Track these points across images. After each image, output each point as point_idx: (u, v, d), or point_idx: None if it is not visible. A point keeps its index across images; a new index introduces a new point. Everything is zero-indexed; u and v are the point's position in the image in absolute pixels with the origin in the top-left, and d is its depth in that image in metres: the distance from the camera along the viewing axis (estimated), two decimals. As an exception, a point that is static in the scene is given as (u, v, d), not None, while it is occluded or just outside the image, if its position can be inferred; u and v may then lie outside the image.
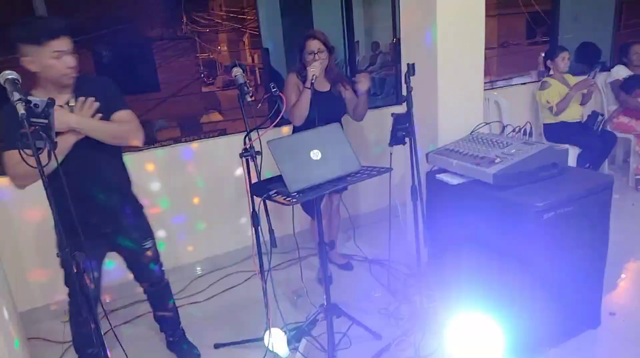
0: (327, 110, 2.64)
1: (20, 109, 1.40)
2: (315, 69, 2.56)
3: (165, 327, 2.52)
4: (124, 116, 2.01)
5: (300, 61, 2.75)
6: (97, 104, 1.90)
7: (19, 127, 1.70)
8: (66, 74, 1.85)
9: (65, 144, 1.82)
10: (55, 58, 1.80)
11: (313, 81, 2.55)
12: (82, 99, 1.89)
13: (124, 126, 1.98)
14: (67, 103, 1.91)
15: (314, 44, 2.67)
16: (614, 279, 2.79)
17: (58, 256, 1.51)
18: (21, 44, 1.79)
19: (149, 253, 2.24)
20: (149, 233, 2.25)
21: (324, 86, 2.80)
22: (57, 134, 1.74)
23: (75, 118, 1.85)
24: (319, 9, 6.39)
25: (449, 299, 2.57)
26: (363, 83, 2.69)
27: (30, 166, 1.45)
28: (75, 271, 1.51)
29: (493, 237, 2.23)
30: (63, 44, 1.80)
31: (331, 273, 3.08)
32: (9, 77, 1.48)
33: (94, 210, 1.98)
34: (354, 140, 3.57)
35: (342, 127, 2.81)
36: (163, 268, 2.37)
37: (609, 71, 4.58)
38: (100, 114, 1.92)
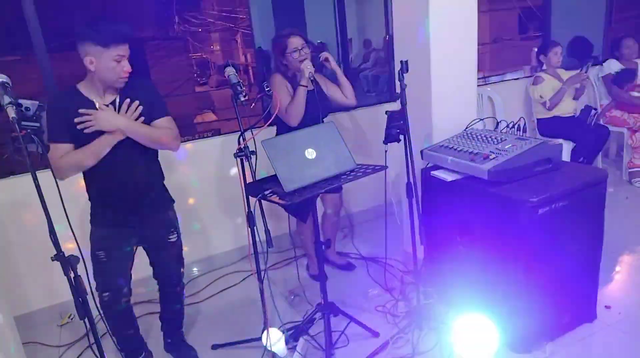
0: (314, 108, 2.60)
1: (11, 112, 1.39)
2: (310, 66, 2.53)
3: (167, 328, 2.52)
4: (165, 123, 2.11)
5: (282, 62, 2.69)
6: (140, 108, 2.01)
7: (63, 122, 1.87)
8: (122, 78, 1.94)
9: (110, 141, 1.94)
10: (117, 61, 1.89)
11: (312, 78, 2.51)
12: (127, 101, 1.99)
13: (164, 132, 2.08)
14: (113, 103, 2.00)
15: (296, 41, 2.62)
16: (609, 272, 2.81)
17: (53, 260, 1.50)
18: (86, 42, 1.87)
19: (173, 247, 2.27)
20: (175, 227, 2.28)
21: (309, 85, 2.70)
22: (103, 132, 1.92)
23: (124, 121, 1.96)
24: (311, 8, 6.38)
25: (446, 295, 2.57)
26: (325, 58, 2.69)
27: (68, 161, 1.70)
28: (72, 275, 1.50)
29: (488, 233, 2.23)
30: (125, 49, 1.91)
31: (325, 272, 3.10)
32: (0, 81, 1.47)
33: (124, 202, 2.07)
34: (348, 138, 3.58)
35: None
36: (183, 270, 2.39)
37: (601, 65, 4.59)
38: (142, 118, 2.02)
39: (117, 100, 2.00)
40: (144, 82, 2.12)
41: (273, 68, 2.80)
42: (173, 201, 2.30)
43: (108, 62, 1.88)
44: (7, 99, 1.41)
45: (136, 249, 2.21)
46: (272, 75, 2.76)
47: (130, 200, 2.07)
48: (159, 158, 2.23)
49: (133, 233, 2.14)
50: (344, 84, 2.80)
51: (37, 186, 1.43)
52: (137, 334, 2.31)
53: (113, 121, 1.94)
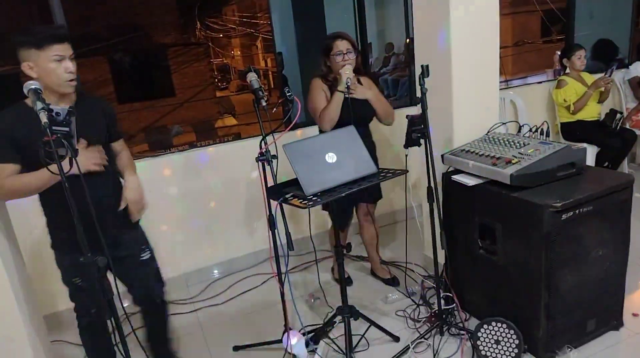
0: (356, 113, 2.53)
1: (43, 118, 1.43)
2: (349, 72, 2.48)
3: (156, 347, 2.30)
4: (122, 144, 2.13)
5: (325, 64, 2.66)
6: (100, 156, 1.91)
7: (9, 141, 1.76)
8: (66, 80, 1.81)
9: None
10: (56, 61, 1.78)
11: (349, 84, 2.46)
12: (84, 142, 1.87)
13: (131, 158, 2.13)
14: None
15: (342, 44, 2.58)
16: (636, 280, 2.74)
17: (81, 261, 1.54)
18: (21, 48, 1.79)
19: (146, 266, 2.14)
20: (146, 244, 2.15)
21: (353, 88, 2.62)
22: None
23: (137, 181, 2.01)
24: (331, 12, 6.41)
25: (467, 301, 2.55)
26: (358, 95, 2.61)
27: (53, 173, 1.48)
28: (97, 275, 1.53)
29: (511, 238, 2.21)
30: (63, 49, 1.79)
31: (348, 275, 3.10)
32: (32, 87, 1.53)
33: (92, 225, 1.83)
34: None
35: (370, 131, 2.78)
36: (164, 289, 2.23)
37: (627, 68, 4.50)
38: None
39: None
40: (101, 99, 2.08)
41: (318, 70, 2.73)
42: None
43: (47, 64, 1.77)
44: (40, 105, 1.46)
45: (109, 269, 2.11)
46: (313, 79, 2.72)
47: (91, 222, 1.82)
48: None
49: (103, 254, 1.96)
50: (377, 108, 2.70)
51: (66, 190, 1.48)
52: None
53: (140, 194, 1.98)
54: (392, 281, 3.01)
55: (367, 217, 2.93)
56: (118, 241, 2.02)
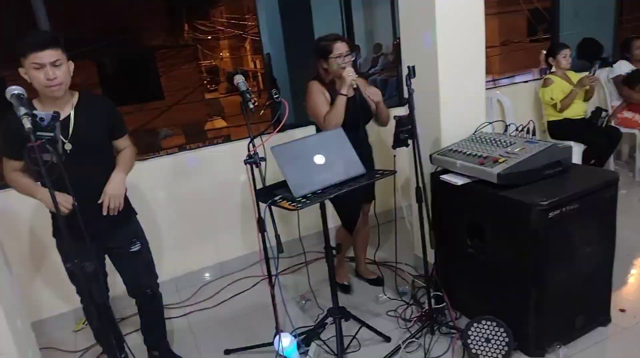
0: (355, 116, 2.53)
1: (27, 123, 1.42)
2: (352, 74, 2.45)
3: (150, 339, 2.47)
4: (126, 140, 2.19)
5: (322, 66, 2.60)
6: (118, 205, 2.05)
7: (16, 139, 1.79)
8: (49, 87, 1.85)
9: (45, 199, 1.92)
10: (36, 69, 1.82)
11: (355, 87, 2.45)
12: (108, 202, 2.02)
13: (132, 156, 2.19)
14: (67, 118, 1.95)
15: (341, 47, 2.54)
16: (622, 275, 2.78)
17: (66, 268, 1.53)
18: (17, 55, 1.86)
19: (136, 257, 2.23)
20: (138, 237, 2.24)
21: (349, 91, 2.60)
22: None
23: (121, 178, 2.08)
24: (318, 14, 6.41)
25: (457, 300, 2.56)
26: (374, 97, 2.61)
27: (37, 178, 1.48)
28: (84, 280, 1.52)
29: (499, 236, 2.23)
30: (44, 56, 1.81)
31: (350, 283, 3.08)
32: (15, 92, 1.52)
33: (88, 216, 1.94)
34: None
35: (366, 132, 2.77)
36: (156, 280, 2.34)
37: (612, 66, 4.56)
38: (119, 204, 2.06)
39: (72, 114, 1.96)
40: (104, 98, 2.11)
41: (314, 74, 2.70)
42: (135, 212, 2.27)
43: (30, 71, 1.84)
44: (23, 110, 1.45)
45: (104, 259, 2.21)
46: (310, 82, 2.67)
47: (88, 213, 1.94)
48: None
49: (99, 244, 2.11)
50: (383, 113, 2.69)
51: (53, 196, 1.46)
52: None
53: (121, 187, 2.06)
54: (377, 282, 3.03)
55: (365, 218, 2.94)
56: (110, 232, 2.12)
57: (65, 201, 1.85)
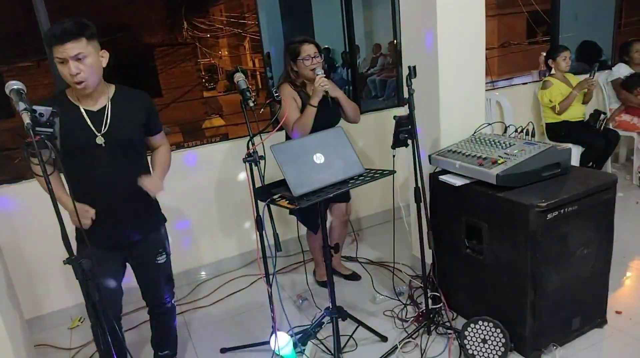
0: (326, 117, 2.57)
1: (26, 118, 1.41)
2: (325, 84, 2.47)
3: (161, 354, 2.37)
4: (162, 137, 2.14)
5: (292, 68, 2.64)
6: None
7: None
8: (74, 82, 1.75)
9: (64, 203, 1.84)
10: (60, 63, 1.73)
11: (330, 97, 2.49)
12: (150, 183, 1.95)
13: (169, 155, 2.16)
14: (103, 109, 1.88)
15: (310, 48, 2.58)
16: (620, 278, 2.79)
17: (65, 263, 1.52)
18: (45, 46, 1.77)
19: (160, 269, 2.15)
20: (164, 248, 2.16)
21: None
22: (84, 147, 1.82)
23: (160, 179, 2.05)
24: (318, 13, 6.42)
25: (454, 300, 2.57)
26: (332, 92, 2.58)
27: (36, 174, 1.47)
28: (83, 278, 1.52)
29: (497, 237, 2.23)
30: (64, 50, 1.69)
31: (353, 271, 3.10)
32: (14, 87, 1.49)
33: (110, 221, 1.93)
34: (356, 143, 3.59)
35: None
36: (174, 290, 2.28)
37: (610, 69, 4.57)
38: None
39: (108, 106, 1.88)
40: (140, 92, 2.01)
41: (282, 76, 2.74)
42: (165, 220, 2.19)
43: (57, 65, 1.74)
44: (22, 106, 1.43)
45: (125, 268, 2.12)
46: (281, 85, 2.69)
47: (115, 218, 1.94)
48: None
49: (121, 253, 2.05)
50: (346, 107, 2.70)
51: (51, 191, 1.46)
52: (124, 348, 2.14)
53: (159, 188, 1.98)
54: (353, 277, 3.09)
55: (344, 218, 2.95)
56: (138, 241, 2.04)
57: (86, 213, 1.82)
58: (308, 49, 2.58)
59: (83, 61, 1.74)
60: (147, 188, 1.93)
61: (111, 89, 1.93)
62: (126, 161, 1.93)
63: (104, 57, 1.85)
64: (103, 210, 1.89)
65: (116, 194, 1.91)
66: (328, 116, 2.62)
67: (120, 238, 1.99)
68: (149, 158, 2.12)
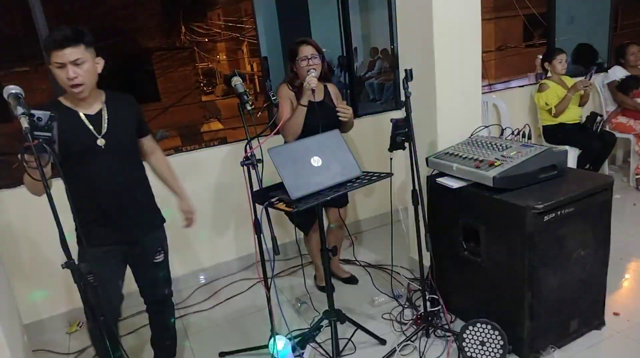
0: (323, 121, 2.54)
1: (24, 123, 1.41)
2: (313, 82, 2.48)
3: (160, 355, 2.39)
4: (152, 140, 2.19)
5: (292, 70, 2.68)
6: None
7: None
8: (71, 87, 1.80)
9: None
10: (58, 68, 1.78)
11: (313, 98, 2.48)
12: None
13: (164, 158, 2.28)
14: (99, 113, 1.92)
15: (307, 50, 2.60)
16: (617, 279, 2.79)
17: (63, 267, 1.52)
18: (43, 51, 1.81)
19: (158, 268, 2.19)
20: (163, 246, 2.21)
21: (319, 95, 2.66)
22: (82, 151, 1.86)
23: (190, 202, 2.34)
24: (316, 17, 6.43)
25: (452, 302, 2.57)
26: (342, 115, 2.63)
27: (34, 178, 1.47)
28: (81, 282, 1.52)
29: (494, 239, 2.24)
30: (64, 55, 1.75)
31: (352, 274, 3.10)
32: (12, 91, 1.50)
33: (109, 220, 1.97)
34: (354, 146, 3.60)
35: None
36: (171, 288, 2.31)
37: (606, 72, 4.60)
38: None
39: (104, 109, 1.93)
40: (127, 96, 2.07)
41: (284, 77, 2.76)
42: (164, 220, 2.23)
43: (54, 69, 1.79)
44: (20, 110, 1.43)
45: (126, 266, 2.15)
46: (279, 85, 2.73)
47: (116, 218, 1.97)
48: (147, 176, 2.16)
49: (121, 251, 2.06)
50: (345, 126, 2.72)
51: (49, 195, 1.46)
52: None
53: (191, 209, 2.33)
54: (351, 280, 3.09)
55: (339, 222, 2.94)
56: (140, 238, 2.08)
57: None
58: (305, 50, 2.60)
59: (81, 66, 1.80)
60: (193, 219, 2.29)
61: (102, 94, 1.98)
62: (125, 161, 1.99)
63: (99, 64, 1.91)
64: (104, 211, 1.94)
65: (117, 194, 1.96)
66: (324, 120, 2.58)
67: (121, 236, 2.02)
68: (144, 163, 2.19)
